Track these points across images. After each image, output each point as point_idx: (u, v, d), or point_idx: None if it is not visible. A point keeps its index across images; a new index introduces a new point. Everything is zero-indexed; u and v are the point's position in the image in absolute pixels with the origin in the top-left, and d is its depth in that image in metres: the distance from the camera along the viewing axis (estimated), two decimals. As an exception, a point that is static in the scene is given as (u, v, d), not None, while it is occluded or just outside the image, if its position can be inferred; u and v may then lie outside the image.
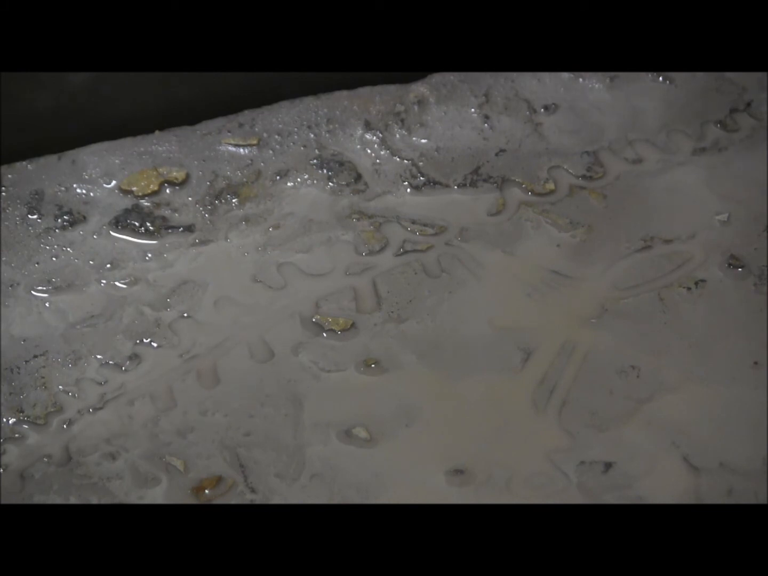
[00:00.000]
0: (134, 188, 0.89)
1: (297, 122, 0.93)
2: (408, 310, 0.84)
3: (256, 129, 0.93)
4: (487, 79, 0.95)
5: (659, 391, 0.79)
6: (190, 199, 0.90)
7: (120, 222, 0.88)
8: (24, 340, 0.82)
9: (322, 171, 0.91)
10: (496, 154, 0.93)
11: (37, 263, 0.86)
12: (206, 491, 0.75)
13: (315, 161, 0.92)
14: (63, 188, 0.89)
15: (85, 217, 0.88)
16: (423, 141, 0.93)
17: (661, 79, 0.96)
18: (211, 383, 0.81)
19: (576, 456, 0.76)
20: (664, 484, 0.75)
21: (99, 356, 0.82)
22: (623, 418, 0.78)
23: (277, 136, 0.93)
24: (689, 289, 0.84)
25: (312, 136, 0.93)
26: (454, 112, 0.94)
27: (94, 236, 0.88)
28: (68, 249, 0.87)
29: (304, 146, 0.92)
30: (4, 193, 0.89)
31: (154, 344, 0.83)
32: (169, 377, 0.81)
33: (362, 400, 0.79)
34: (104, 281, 0.86)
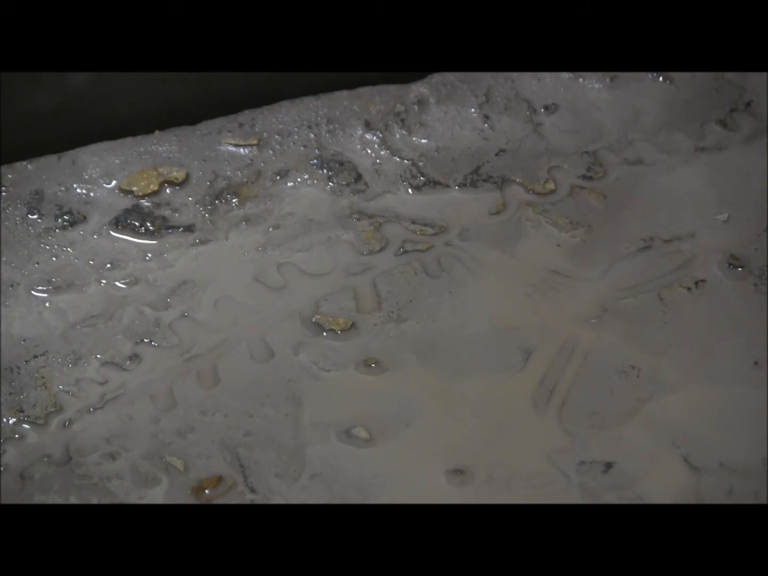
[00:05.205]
0: (134, 188, 0.89)
1: (297, 122, 0.93)
2: (408, 310, 0.84)
3: (256, 129, 0.93)
4: (487, 79, 0.95)
5: (659, 391, 0.79)
6: (190, 199, 0.90)
7: (120, 222, 0.88)
8: (24, 340, 0.82)
9: (322, 171, 0.91)
10: (497, 154, 0.93)
11: (37, 263, 0.86)
12: (206, 491, 0.75)
13: (315, 161, 0.92)
14: (63, 188, 0.89)
15: (85, 217, 0.88)
16: (423, 141, 0.93)
17: (661, 79, 0.96)
18: (211, 383, 0.81)
19: (576, 456, 0.76)
20: (664, 484, 0.75)
21: (99, 356, 0.82)
22: (623, 418, 0.78)
23: (277, 136, 0.93)
24: (689, 289, 0.84)
25: (312, 136, 0.93)
26: (454, 112, 0.94)
27: (94, 236, 0.88)
28: (68, 249, 0.87)
29: (304, 146, 0.92)
30: (4, 193, 0.89)
31: (154, 344, 0.83)
32: (169, 377, 0.81)
33: (362, 400, 0.79)
34: (104, 281, 0.86)
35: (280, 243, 0.88)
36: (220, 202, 0.90)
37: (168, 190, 0.90)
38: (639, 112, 0.95)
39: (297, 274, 0.86)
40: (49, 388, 0.80)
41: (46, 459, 0.77)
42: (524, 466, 0.76)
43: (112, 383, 0.81)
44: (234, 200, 0.90)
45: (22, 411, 0.79)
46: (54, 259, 0.87)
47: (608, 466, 0.76)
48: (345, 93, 0.94)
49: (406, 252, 0.87)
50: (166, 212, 0.89)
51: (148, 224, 0.88)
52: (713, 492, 0.74)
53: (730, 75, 0.95)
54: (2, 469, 0.76)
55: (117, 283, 0.86)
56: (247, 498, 0.75)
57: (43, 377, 0.81)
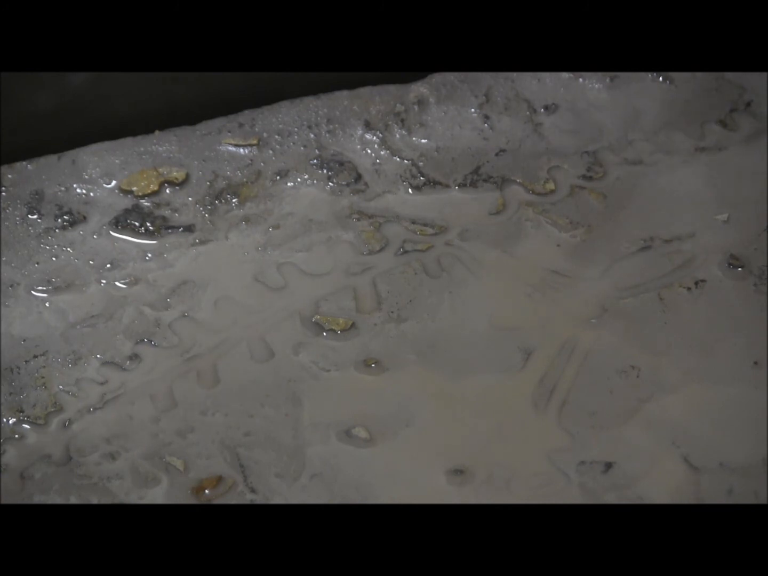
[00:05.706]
0: (134, 188, 0.90)
1: (297, 122, 0.93)
2: (408, 310, 0.84)
3: (256, 129, 0.93)
4: (487, 79, 0.95)
5: (659, 391, 0.79)
6: (190, 199, 0.90)
7: (120, 222, 0.88)
8: (24, 340, 0.82)
9: (322, 171, 0.91)
10: (496, 154, 0.93)
11: (37, 263, 0.86)
12: (206, 491, 0.75)
13: (315, 161, 0.92)
14: (63, 188, 0.89)
15: (85, 217, 0.88)
16: (423, 141, 0.93)
17: (661, 79, 0.96)
18: (211, 383, 0.81)
19: (576, 456, 0.76)
20: (664, 484, 0.75)
21: (99, 356, 0.82)
22: (623, 418, 0.78)
23: (277, 136, 0.93)
24: (689, 289, 0.84)
25: (312, 136, 0.93)
26: (454, 112, 0.94)
27: (94, 236, 0.88)
28: (68, 249, 0.87)
29: (304, 146, 0.92)
30: (4, 193, 0.89)
31: (154, 344, 0.83)
32: (169, 377, 0.81)
33: (362, 400, 0.79)
34: (104, 281, 0.86)
35: (280, 243, 0.88)
36: (220, 202, 0.90)
37: (168, 190, 0.90)
38: (639, 112, 0.95)
39: (297, 274, 0.86)
40: (49, 388, 0.80)
41: (46, 459, 0.77)
42: (524, 466, 0.76)
43: (112, 383, 0.81)
44: (234, 200, 0.90)
45: (22, 411, 0.79)
46: (54, 259, 0.87)
47: (608, 466, 0.76)
48: (345, 93, 0.94)
49: (406, 252, 0.87)
50: (166, 212, 0.89)
51: (148, 224, 0.88)
52: (713, 492, 0.74)
53: (730, 75, 0.95)
54: (2, 469, 0.76)
55: (117, 283, 0.86)
56: (247, 498, 0.75)
57: (43, 377, 0.81)
